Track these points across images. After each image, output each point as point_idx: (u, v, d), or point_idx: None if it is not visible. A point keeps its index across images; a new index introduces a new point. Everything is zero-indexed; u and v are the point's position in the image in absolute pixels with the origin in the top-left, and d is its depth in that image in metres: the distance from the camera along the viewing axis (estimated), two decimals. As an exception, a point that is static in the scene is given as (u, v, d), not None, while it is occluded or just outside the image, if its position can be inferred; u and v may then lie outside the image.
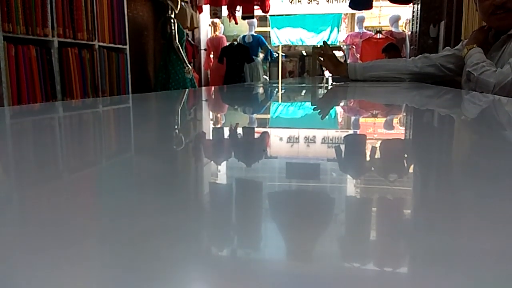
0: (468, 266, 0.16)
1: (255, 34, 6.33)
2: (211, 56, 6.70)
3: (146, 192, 0.26)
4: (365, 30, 6.25)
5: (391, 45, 4.86)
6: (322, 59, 2.03)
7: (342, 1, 6.67)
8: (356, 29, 6.35)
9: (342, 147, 0.46)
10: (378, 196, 0.27)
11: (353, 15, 7.09)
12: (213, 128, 0.64)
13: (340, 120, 0.76)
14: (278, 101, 1.20)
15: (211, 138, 0.53)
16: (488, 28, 1.58)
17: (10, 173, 0.32)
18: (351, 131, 0.60)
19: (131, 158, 0.39)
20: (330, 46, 6.59)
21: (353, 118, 0.78)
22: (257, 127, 0.64)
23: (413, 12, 5.07)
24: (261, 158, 0.38)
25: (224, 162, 0.37)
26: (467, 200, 0.25)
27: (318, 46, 6.56)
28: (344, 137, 0.54)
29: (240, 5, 5.81)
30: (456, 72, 1.69)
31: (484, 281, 0.15)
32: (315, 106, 1.04)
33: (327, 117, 0.80)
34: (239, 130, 0.59)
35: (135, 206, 0.23)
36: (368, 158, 0.40)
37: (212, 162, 0.38)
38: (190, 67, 4.93)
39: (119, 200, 0.24)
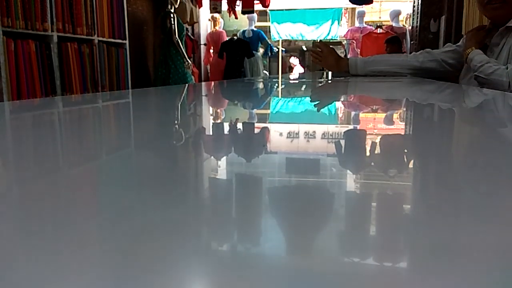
0: (468, 263, 0.16)
1: (255, 29, 6.31)
2: (211, 51, 6.68)
3: (145, 187, 0.26)
4: (365, 25, 6.22)
5: (395, 38, 4.86)
6: (318, 60, 1.97)
7: (342, -5, 6.64)
8: (357, 24, 6.32)
9: (343, 142, 0.46)
10: (377, 191, 0.27)
11: (353, 9, 7.07)
12: (213, 123, 0.63)
13: (340, 115, 0.76)
14: (278, 96, 1.20)
15: (211, 133, 0.53)
16: (483, 27, 1.58)
17: (11, 168, 0.32)
18: (351, 126, 0.60)
19: (132, 152, 0.38)
20: (330, 41, 6.56)
21: (353, 113, 0.78)
22: (257, 122, 0.64)
23: (414, 6, 5.05)
24: (261, 153, 0.38)
25: (224, 158, 0.37)
26: (468, 195, 0.25)
27: (318, 41, 6.56)
28: (345, 132, 0.54)
29: (240, 0, 5.78)
30: (457, 68, 1.69)
31: (484, 278, 0.15)
32: (316, 101, 1.04)
33: (327, 112, 0.80)
34: (239, 125, 0.59)
35: (134, 201, 0.23)
36: (368, 154, 0.40)
37: (212, 157, 0.38)
38: (190, 62, 4.92)
39: (118, 195, 0.24)
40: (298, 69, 7.40)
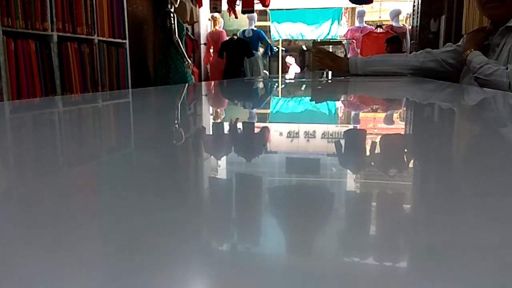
0: (468, 263, 0.16)
1: (255, 29, 6.31)
2: (211, 50, 6.68)
3: (145, 187, 0.26)
4: (365, 25, 6.22)
5: (395, 37, 4.87)
6: (319, 63, 1.98)
7: (343, -5, 6.64)
8: (357, 24, 6.32)
9: (342, 142, 0.46)
10: (377, 191, 0.27)
11: (353, 9, 7.07)
12: (213, 123, 0.63)
13: (340, 115, 0.76)
14: (278, 96, 1.20)
15: (211, 133, 0.53)
16: (483, 28, 1.58)
17: (11, 168, 0.32)
18: (351, 126, 0.60)
19: (132, 152, 0.38)
20: (331, 40, 6.54)
21: (353, 113, 0.78)
22: (257, 121, 0.64)
23: (414, 6, 5.05)
24: (261, 153, 0.38)
25: (224, 157, 0.37)
26: (467, 195, 0.25)
27: (318, 40, 6.55)
28: (345, 132, 0.54)
29: (240, -1, 5.79)
30: (457, 68, 1.68)
31: (483, 278, 0.15)
32: (316, 101, 1.04)
33: (327, 112, 0.80)
34: (239, 125, 0.59)
35: (134, 201, 0.23)
36: (368, 153, 0.40)
37: (212, 157, 0.38)
38: (190, 61, 4.92)
39: (118, 195, 0.24)
40: (294, 68, 7.38)
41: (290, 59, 7.54)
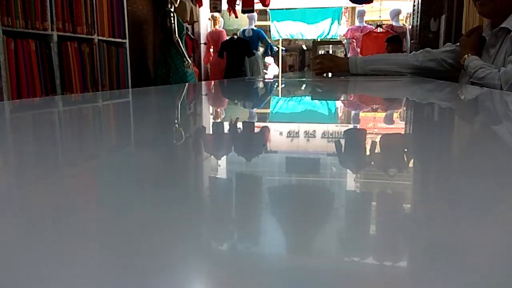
0: (468, 262, 0.16)
1: (255, 28, 6.30)
2: (211, 50, 6.68)
3: (145, 186, 0.26)
4: (365, 24, 6.22)
5: (396, 37, 4.87)
6: (319, 67, 1.97)
7: (343, -5, 6.64)
8: (357, 23, 6.32)
9: (343, 141, 0.46)
10: (378, 190, 0.27)
11: (353, 8, 7.07)
12: (213, 122, 0.63)
13: (340, 114, 0.76)
14: (278, 96, 1.20)
15: (211, 132, 0.53)
16: (472, 31, 1.59)
17: (11, 167, 0.32)
18: (351, 126, 0.60)
19: (132, 151, 0.38)
20: (331, 40, 6.52)
21: (353, 112, 0.78)
22: (257, 121, 0.64)
23: (414, 6, 5.05)
24: (261, 153, 0.38)
25: (224, 157, 0.37)
26: (467, 194, 0.25)
27: (318, 40, 6.55)
28: (345, 131, 0.54)
29: (240, -1, 5.79)
30: (457, 67, 1.69)
31: (483, 278, 0.15)
32: (316, 100, 1.04)
33: (327, 111, 0.80)
34: (239, 125, 0.59)
35: (134, 201, 0.23)
36: (368, 153, 0.40)
37: (212, 156, 0.38)
38: (190, 61, 4.92)
39: (118, 194, 0.24)
40: (272, 68, 7.39)
41: (269, 59, 7.52)
